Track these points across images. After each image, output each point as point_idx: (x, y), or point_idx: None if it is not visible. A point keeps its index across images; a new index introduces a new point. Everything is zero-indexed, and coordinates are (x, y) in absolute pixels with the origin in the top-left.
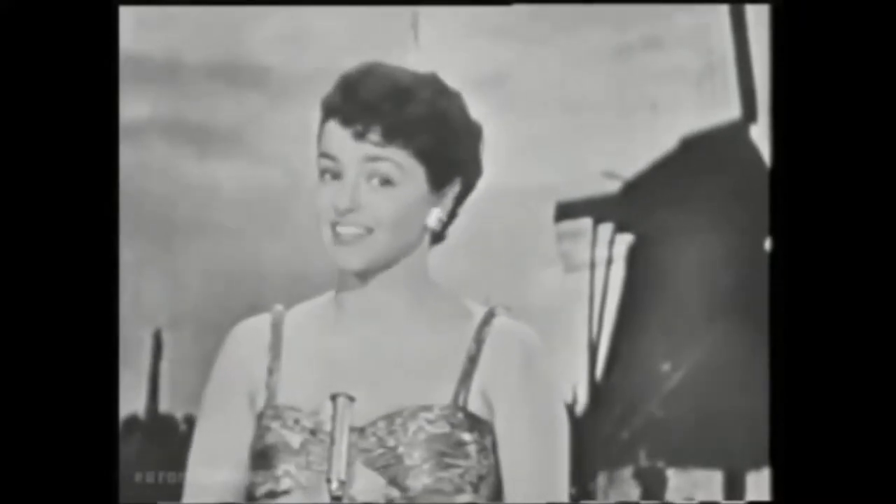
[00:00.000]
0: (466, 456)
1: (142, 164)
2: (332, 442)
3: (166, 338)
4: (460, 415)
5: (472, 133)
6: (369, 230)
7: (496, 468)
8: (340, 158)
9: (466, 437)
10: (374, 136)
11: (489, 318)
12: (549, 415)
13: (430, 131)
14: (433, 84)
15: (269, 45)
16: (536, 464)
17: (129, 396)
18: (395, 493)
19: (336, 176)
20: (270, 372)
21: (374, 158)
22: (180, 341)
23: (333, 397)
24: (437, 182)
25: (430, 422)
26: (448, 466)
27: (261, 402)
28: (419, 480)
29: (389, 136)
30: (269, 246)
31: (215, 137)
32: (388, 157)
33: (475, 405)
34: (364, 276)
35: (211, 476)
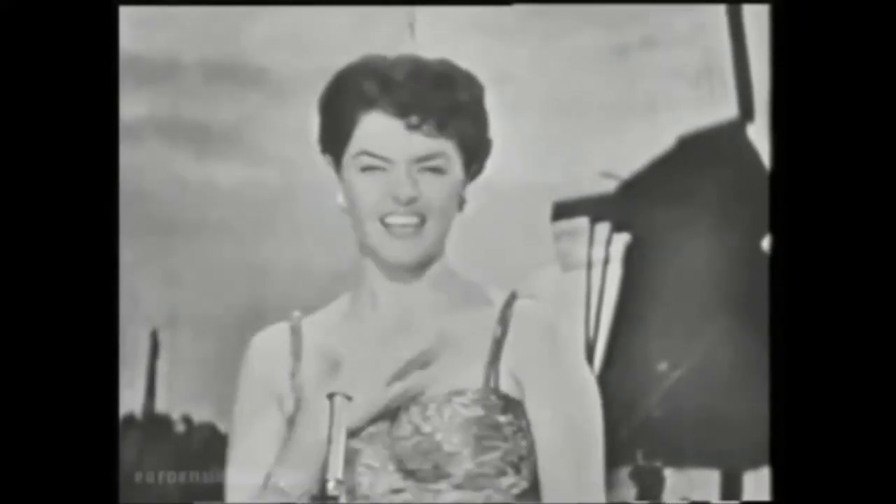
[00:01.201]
0: (504, 438)
1: (140, 164)
2: (329, 441)
3: (163, 337)
4: (493, 397)
5: (487, 116)
6: (423, 220)
7: (533, 448)
8: (390, 151)
9: (501, 418)
10: (429, 126)
11: (511, 301)
12: (579, 392)
13: (471, 118)
14: (457, 69)
15: (267, 44)
16: (570, 441)
17: (127, 396)
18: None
19: (380, 168)
20: (293, 375)
21: (430, 149)
22: (178, 341)
23: (330, 396)
24: (468, 167)
25: (464, 406)
26: (487, 449)
27: (289, 405)
28: (461, 466)
29: (441, 126)
30: (267, 246)
31: (214, 137)
32: (441, 148)
33: (506, 386)
34: (412, 269)
35: (253, 481)
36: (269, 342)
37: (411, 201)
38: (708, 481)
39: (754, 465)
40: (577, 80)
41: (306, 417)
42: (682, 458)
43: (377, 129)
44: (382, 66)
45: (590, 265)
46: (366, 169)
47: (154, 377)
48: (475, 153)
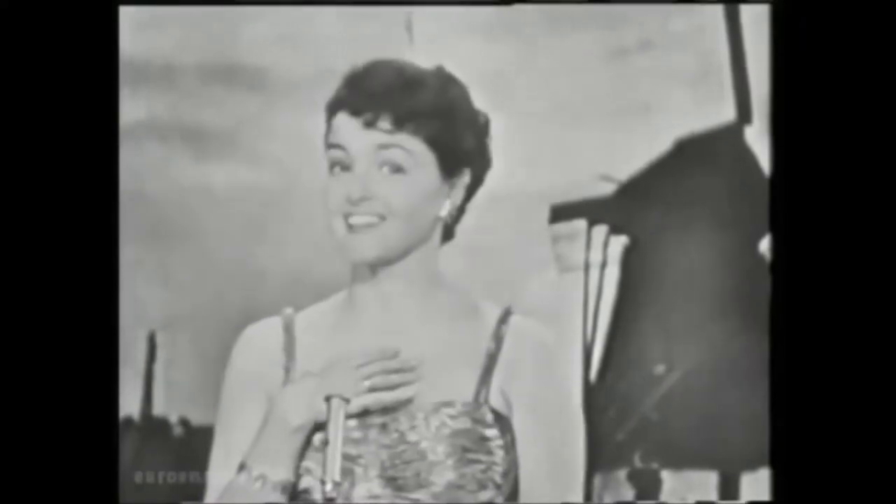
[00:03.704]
0: (489, 452)
1: (138, 166)
2: (327, 443)
3: (161, 339)
4: (482, 411)
5: (480, 123)
6: (382, 218)
7: (516, 464)
8: (350, 148)
9: (489, 432)
10: (385, 123)
11: (506, 316)
12: (565, 413)
13: (440, 118)
14: (439, 74)
15: (265, 46)
16: (552, 461)
17: (125, 398)
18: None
19: (346, 167)
20: (287, 371)
21: (385, 146)
22: (175, 343)
23: (327, 399)
24: (448, 171)
25: (452, 417)
26: (471, 462)
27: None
28: (443, 476)
29: (399, 123)
30: (264, 248)
31: (211, 139)
32: (399, 143)
33: (495, 402)
34: (376, 267)
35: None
36: (261, 337)
37: (362, 200)
38: (705, 483)
39: (751, 466)
40: (574, 82)
41: (279, 406)
42: (680, 460)
43: (340, 127)
44: (357, 72)
45: (587, 268)
46: (333, 165)
47: (151, 380)
48: (453, 157)
